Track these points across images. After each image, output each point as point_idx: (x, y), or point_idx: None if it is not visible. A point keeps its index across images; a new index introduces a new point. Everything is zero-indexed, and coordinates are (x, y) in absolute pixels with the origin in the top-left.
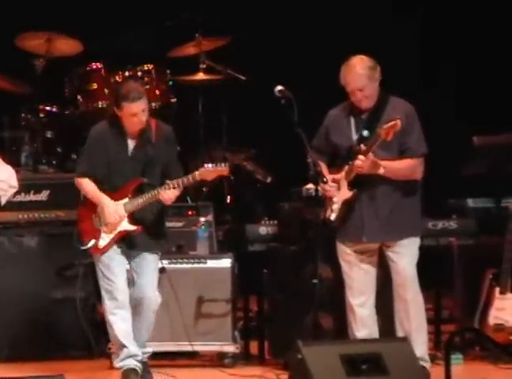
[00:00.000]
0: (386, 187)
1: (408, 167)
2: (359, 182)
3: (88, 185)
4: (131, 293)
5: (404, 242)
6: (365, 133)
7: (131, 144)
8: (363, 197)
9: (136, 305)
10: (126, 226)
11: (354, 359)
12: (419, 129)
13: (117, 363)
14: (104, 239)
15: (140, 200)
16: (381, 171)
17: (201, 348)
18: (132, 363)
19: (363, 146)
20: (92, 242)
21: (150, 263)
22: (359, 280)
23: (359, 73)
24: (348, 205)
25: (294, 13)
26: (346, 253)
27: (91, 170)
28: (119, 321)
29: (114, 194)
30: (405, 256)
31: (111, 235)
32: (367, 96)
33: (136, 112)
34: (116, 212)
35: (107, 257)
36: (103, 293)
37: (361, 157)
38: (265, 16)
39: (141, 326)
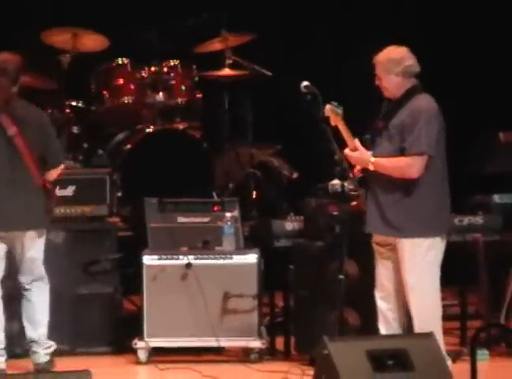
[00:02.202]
0: (385, 183)
1: (396, 166)
2: (368, 175)
3: None
4: None
5: (405, 244)
6: (379, 124)
7: None
8: (368, 189)
9: None
10: None
11: (380, 355)
12: (424, 129)
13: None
14: None
15: None
16: (370, 167)
17: (227, 344)
18: None
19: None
20: None
21: None
22: (379, 273)
23: (377, 61)
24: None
25: (319, 7)
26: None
27: None
28: None
29: None
30: (405, 263)
31: None
32: (383, 87)
33: None
34: None
35: None
36: None
37: (346, 151)
38: (291, 12)
39: None
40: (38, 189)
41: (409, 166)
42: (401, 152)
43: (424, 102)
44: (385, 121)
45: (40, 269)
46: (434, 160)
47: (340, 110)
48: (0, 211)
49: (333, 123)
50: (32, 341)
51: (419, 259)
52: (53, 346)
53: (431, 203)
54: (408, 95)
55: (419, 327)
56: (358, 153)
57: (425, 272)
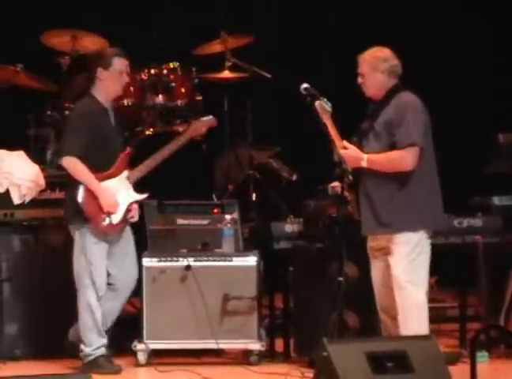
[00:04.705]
0: (377, 180)
1: (390, 159)
2: (358, 176)
3: (82, 168)
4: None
5: (395, 240)
6: (365, 125)
7: (111, 115)
8: (360, 190)
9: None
10: (135, 196)
11: (379, 357)
12: (412, 121)
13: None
14: (117, 215)
15: (144, 167)
16: (363, 164)
17: (227, 346)
18: None
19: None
20: (107, 219)
21: None
22: (374, 276)
23: (363, 58)
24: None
25: (319, 9)
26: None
27: (82, 150)
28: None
29: (109, 172)
30: (393, 257)
31: (122, 210)
32: (366, 85)
33: (124, 69)
34: (113, 195)
35: (109, 240)
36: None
37: (342, 151)
38: (291, 13)
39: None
40: (70, 186)
41: (403, 158)
42: (391, 147)
43: (408, 97)
44: (370, 122)
45: (76, 268)
46: (424, 153)
47: (328, 107)
48: None
49: (323, 120)
50: None
51: (407, 253)
52: (83, 351)
53: (420, 197)
54: (391, 93)
55: (402, 325)
56: (350, 151)
57: (412, 267)
